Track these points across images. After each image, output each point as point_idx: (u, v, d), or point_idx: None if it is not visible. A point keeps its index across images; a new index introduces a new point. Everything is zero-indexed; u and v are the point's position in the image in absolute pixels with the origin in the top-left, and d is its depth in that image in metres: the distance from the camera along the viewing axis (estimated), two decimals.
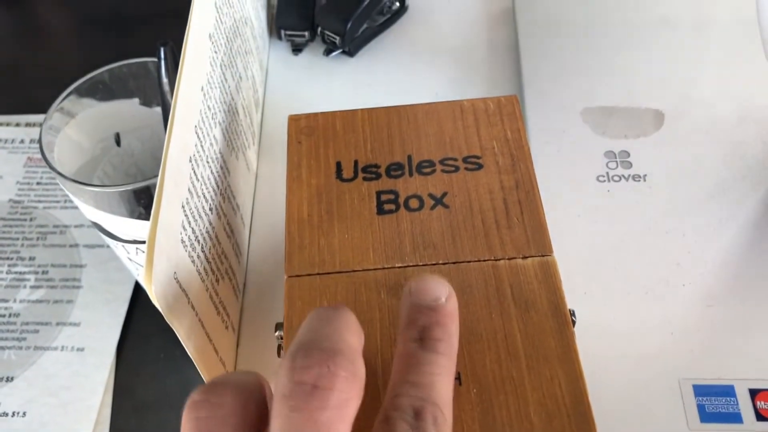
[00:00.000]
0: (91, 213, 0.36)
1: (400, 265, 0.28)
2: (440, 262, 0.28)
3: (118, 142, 0.40)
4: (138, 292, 0.41)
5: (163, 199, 0.25)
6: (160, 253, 0.24)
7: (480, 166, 0.30)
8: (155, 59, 0.36)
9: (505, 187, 0.29)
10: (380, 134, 0.31)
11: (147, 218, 0.30)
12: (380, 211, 0.29)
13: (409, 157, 0.31)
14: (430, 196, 0.29)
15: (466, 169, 0.30)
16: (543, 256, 0.28)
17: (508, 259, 0.28)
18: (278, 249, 0.40)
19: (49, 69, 0.51)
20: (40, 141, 0.35)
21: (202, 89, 0.31)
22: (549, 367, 0.25)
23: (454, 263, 0.28)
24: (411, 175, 0.30)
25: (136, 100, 0.40)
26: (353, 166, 0.31)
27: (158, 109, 0.38)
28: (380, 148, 0.31)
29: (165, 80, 0.35)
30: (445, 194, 0.29)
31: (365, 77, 0.46)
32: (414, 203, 0.29)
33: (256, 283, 0.38)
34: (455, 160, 0.30)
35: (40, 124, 0.35)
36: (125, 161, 0.41)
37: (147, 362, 0.39)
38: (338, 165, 0.31)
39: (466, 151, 0.31)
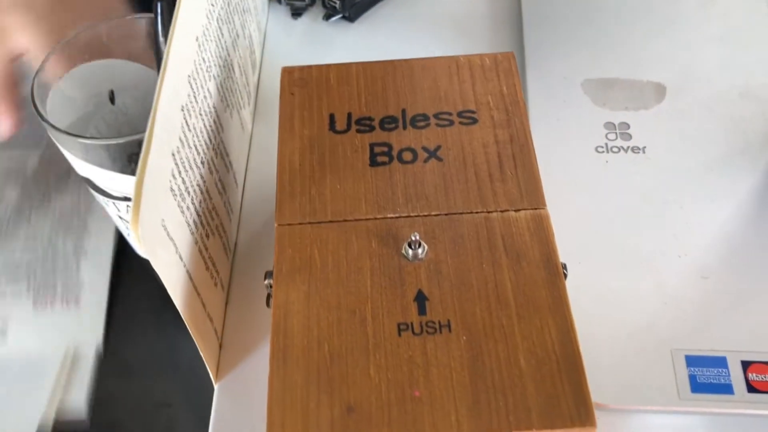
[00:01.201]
0: (83, 168, 0.36)
1: (392, 215, 0.27)
2: (432, 213, 0.27)
3: (112, 100, 0.40)
4: (124, 253, 0.41)
5: (153, 143, 0.25)
6: (148, 197, 0.24)
7: (474, 121, 0.30)
8: (152, 15, 0.36)
9: (500, 141, 0.29)
10: (375, 87, 0.31)
11: None
12: (373, 162, 0.29)
13: (404, 111, 0.30)
14: (424, 149, 0.29)
15: (460, 123, 0.30)
16: (536, 209, 0.27)
17: (501, 211, 0.27)
18: (271, 210, 0.39)
19: None
20: (32, 93, 0.35)
21: (197, 39, 0.31)
22: (540, 316, 0.25)
23: (446, 215, 0.27)
24: (405, 128, 0.30)
25: (132, 59, 0.39)
26: (347, 118, 0.30)
27: (154, 69, 0.37)
28: (374, 101, 0.31)
29: (161, 38, 0.35)
30: (438, 147, 0.29)
31: (365, 43, 0.45)
32: (407, 156, 0.29)
33: (248, 244, 0.38)
34: (450, 114, 0.30)
35: (33, 78, 0.35)
36: (119, 119, 0.40)
37: (136, 324, 0.38)
38: (331, 117, 0.30)
39: (461, 106, 0.30)
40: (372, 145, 0.29)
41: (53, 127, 0.33)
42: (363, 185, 0.28)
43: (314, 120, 0.30)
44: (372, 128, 0.30)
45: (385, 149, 0.29)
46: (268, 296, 0.28)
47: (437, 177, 0.28)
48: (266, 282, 0.27)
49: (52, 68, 0.36)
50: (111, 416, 0.36)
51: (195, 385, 0.36)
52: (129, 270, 0.41)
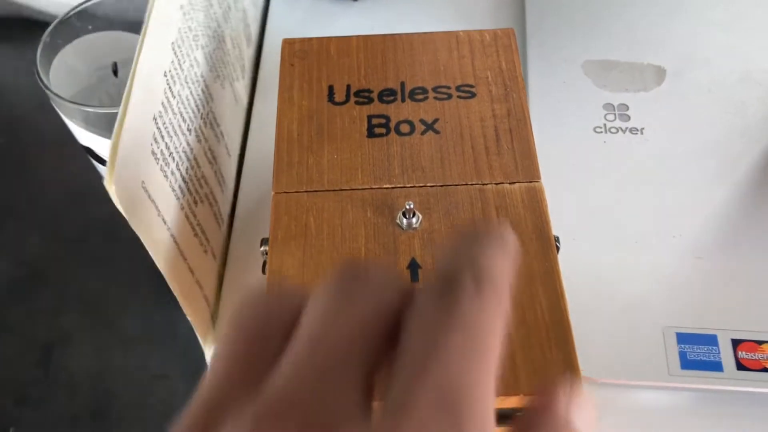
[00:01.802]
0: (85, 137, 0.36)
1: (387, 185, 0.28)
2: (428, 184, 0.28)
3: (115, 72, 0.40)
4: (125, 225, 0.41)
5: (131, 104, 0.25)
6: (125, 157, 0.24)
7: (473, 95, 0.30)
8: None
9: (497, 115, 0.29)
10: (374, 60, 0.31)
11: None
12: (371, 134, 0.29)
13: (402, 84, 0.31)
14: (422, 121, 0.29)
15: (458, 97, 0.30)
16: (531, 182, 0.27)
17: (496, 184, 0.28)
18: (270, 184, 0.40)
19: None
20: (36, 62, 0.35)
21: (182, 8, 0.31)
22: (530, 286, 0.25)
23: (441, 186, 0.28)
24: (403, 101, 0.30)
25: (136, 31, 0.39)
26: (345, 90, 0.30)
27: None
28: (373, 74, 0.31)
29: None
30: (436, 120, 0.29)
31: (367, 22, 0.46)
32: (405, 128, 0.29)
33: (247, 216, 0.38)
34: (448, 88, 0.30)
35: (38, 47, 0.35)
36: (122, 91, 0.41)
37: (134, 296, 0.39)
38: (330, 88, 0.31)
39: (459, 80, 0.30)
40: (370, 117, 0.30)
41: (56, 95, 0.34)
42: (360, 156, 0.28)
43: (313, 91, 0.31)
44: (370, 100, 0.30)
45: (383, 121, 0.29)
46: (264, 263, 0.28)
47: (434, 149, 0.29)
48: (262, 249, 0.28)
49: (55, 38, 0.36)
50: (108, 388, 0.37)
51: (192, 357, 0.36)
52: (128, 244, 0.41)
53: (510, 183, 0.27)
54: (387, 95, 0.30)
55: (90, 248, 0.44)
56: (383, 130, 0.29)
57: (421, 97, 0.30)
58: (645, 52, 0.42)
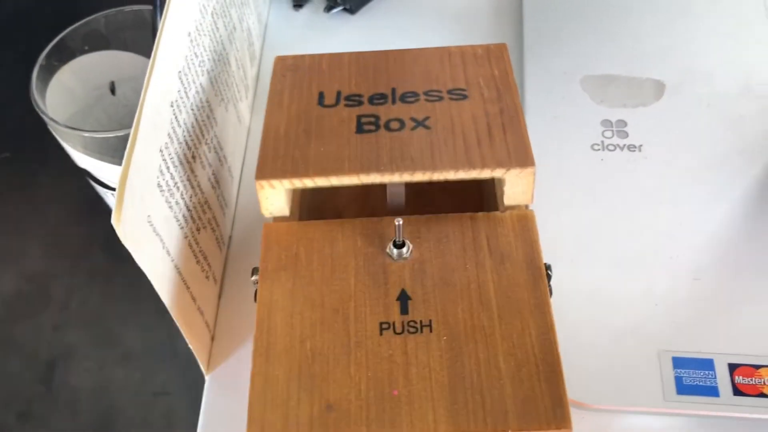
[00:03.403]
0: (82, 160, 0.36)
1: (375, 173, 0.27)
2: (417, 171, 0.27)
3: (113, 91, 0.40)
4: None
5: (138, 140, 0.25)
6: (132, 194, 0.24)
7: (465, 97, 0.29)
8: (150, 7, 0.36)
9: (490, 113, 0.29)
10: (366, 72, 0.31)
11: None
12: (360, 130, 0.29)
13: (393, 89, 0.30)
14: (412, 119, 0.29)
15: (450, 99, 0.29)
16: (524, 167, 0.27)
17: (486, 211, 0.27)
18: None
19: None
20: (30, 85, 0.35)
21: (189, 35, 0.31)
22: (521, 318, 0.25)
23: (432, 214, 0.28)
24: (394, 103, 0.30)
25: (133, 50, 0.40)
26: (336, 95, 0.30)
27: None
28: (364, 82, 0.31)
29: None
30: (427, 118, 0.29)
31: (365, 36, 0.46)
32: (395, 125, 0.29)
33: (244, 237, 0.38)
34: (439, 91, 0.30)
35: (33, 70, 0.35)
36: (119, 111, 0.41)
37: (137, 314, 0.39)
38: (321, 94, 0.30)
39: (451, 85, 0.30)
40: (359, 117, 0.29)
41: (52, 120, 0.34)
42: (347, 149, 0.28)
43: (303, 96, 0.30)
44: (361, 103, 0.30)
45: (372, 119, 0.29)
46: (256, 292, 0.28)
47: (424, 142, 0.28)
48: (253, 278, 0.28)
49: (50, 60, 0.36)
50: (110, 404, 0.37)
51: (192, 374, 0.36)
52: (129, 260, 0.41)
53: (505, 169, 0.26)
54: (377, 98, 0.30)
55: (91, 264, 0.45)
56: (372, 127, 0.29)
57: (412, 99, 0.30)
58: (644, 66, 0.42)
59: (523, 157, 0.27)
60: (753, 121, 0.39)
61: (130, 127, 0.32)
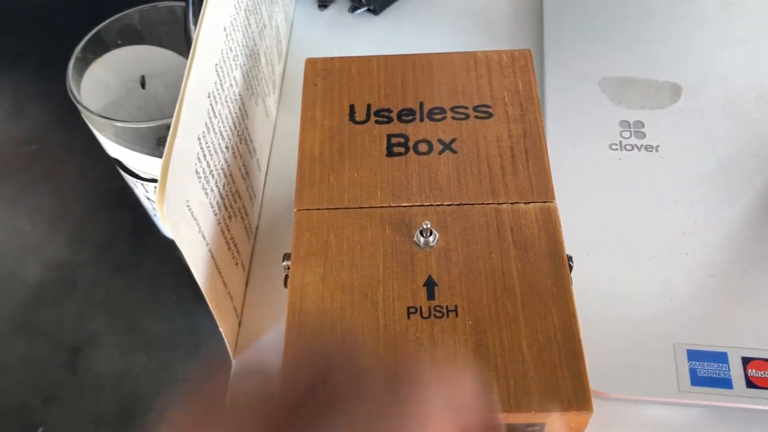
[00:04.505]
0: (114, 150, 0.38)
1: (406, 204, 0.29)
2: (445, 203, 0.29)
3: (143, 85, 0.41)
4: (149, 233, 0.42)
5: (180, 127, 0.26)
6: (174, 178, 0.25)
7: (490, 115, 0.31)
8: (182, 3, 0.37)
9: (513, 135, 0.30)
10: (394, 80, 0.32)
11: None
12: (390, 153, 0.30)
13: (421, 104, 0.31)
14: (439, 141, 0.30)
15: (476, 117, 0.31)
16: (545, 202, 0.28)
17: (511, 203, 0.28)
18: (292, 196, 0.41)
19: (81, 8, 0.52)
20: (67, 76, 0.36)
21: (225, 29, 0.32)
22: (543, 304, 0.26)
23: (458, 205, 0.29)
24: (422, 120, 0.31)
25: (164, 45, 0.41)
26: (366, 109, 0.31)
27: (184, 56, 0.39)
28: (393, 94, 0.32)
29: (192, 26, 0.36)
30: (453, 140, 0.30)
31: (388, 36, 0.47)
32: (423, 147, 0.30)
33: (269, 228, 0.39)
34: (466, 108, 0.31)
35: (69, 62, 0.37)
36: (149, 104, 0.42)
37: (158, 302, 0.40)
38: (351, 108, 0.32)
39: (477, 100, 0.31)
40: (389, 136, 0.31)
41: (87, 109, 0.35)
42: (379, 174, 0.29)
43: (335, 110, 0.32)
44: (390, 119, 0.31)
45: (402, 140, 0.30)
46: (286, 277, 0.29)
47: (451, 168, 0.29)
48: (284, 264, 0.29)
49: (86, 53, 0.37)
50: (133, 389, 0.38)
51: (214, 361, 0.37)
52: (153, 250, 0.42)
53: (525, 203, 0.28)
54: (406, 114, 0.31)
55: (116, 254, 0.46)
56: (402, 149, 0.30)
57: (439, 116, 0.31)
58: (662, 69, 0.42)
59: (544, 191, 0.29)
60: (767, 125, 0.40)
61: (159, 118, 0.34)
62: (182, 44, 0.39)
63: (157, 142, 0.36)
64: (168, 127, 0.32)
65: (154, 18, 0.39)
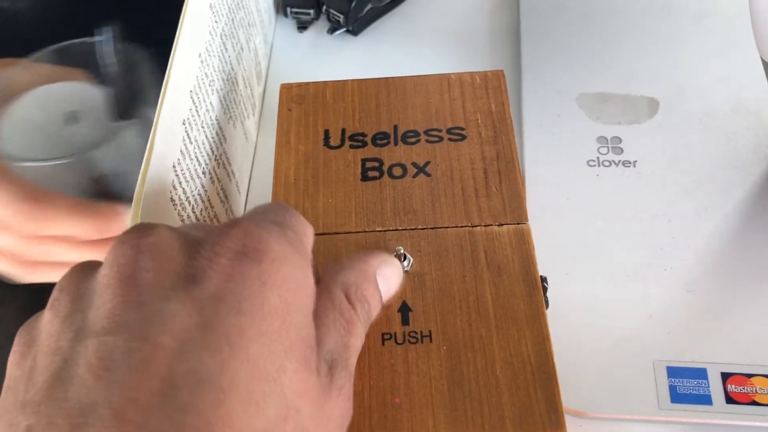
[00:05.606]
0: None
1: (380, 229, 0.29)
2: (419, 227, 0.29)
3: (68, 122, 0.40)
4: None
5: (153, 155, 0.26)
6: (147, 209, 0.25)
7: (463, 137, 0.31)
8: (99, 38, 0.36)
9: (486, 157, 0.30)
10: (368, 104, 0.32)
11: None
12: (364, 177, 0.30)
13: (395, 127, 0.32)
14: (413, 164, 0.30)
15: (449, 139, 0.31)
16: (518, 224, 0.28)
17: (485, 226, 0.28)
18: None
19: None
20: None
21: (200, 56, 0.32)
22: (517, 328, 0.26)
23: (432, 228, 0.29)
24: (396, 144, 0.31)
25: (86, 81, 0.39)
26: (341, 134, 0.32)
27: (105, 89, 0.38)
28: (367, 118, 0.32)
29: (108, 60, 0.35)
30: (427, 163, 0.30)
31: (368, 57, 0.47)
32: (397, 171, 0.30)
33: None
34: (439, 131, 0.31)
35: None
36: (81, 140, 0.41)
37: None
38: (326, 132, 0.32)
39: (450, 122, 0.31)
40: (364, 161, 0.31)
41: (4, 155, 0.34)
42: (354, 200, 0.30)
43: (309, 135, 0.32)
44: (365, 144, 0.31)
45: (376, 164, 0.31)
46: None
47: (425, 192, 0.30)
48: None
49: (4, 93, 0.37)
50: None
51: None
52: None
53: (498, 225, 0.28)
54: (380, 138, 0.31)
55: None
56: (377, 174, 0.30)
57: (413, 140, 0.31)
58: (639, 83, 0.43)
59: (517, 213, 0.29)
60: (744, 137, 0.40)
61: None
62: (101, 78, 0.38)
63: (94, 181, 0.35)
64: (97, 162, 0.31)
65: (76, 53, 0.38)
